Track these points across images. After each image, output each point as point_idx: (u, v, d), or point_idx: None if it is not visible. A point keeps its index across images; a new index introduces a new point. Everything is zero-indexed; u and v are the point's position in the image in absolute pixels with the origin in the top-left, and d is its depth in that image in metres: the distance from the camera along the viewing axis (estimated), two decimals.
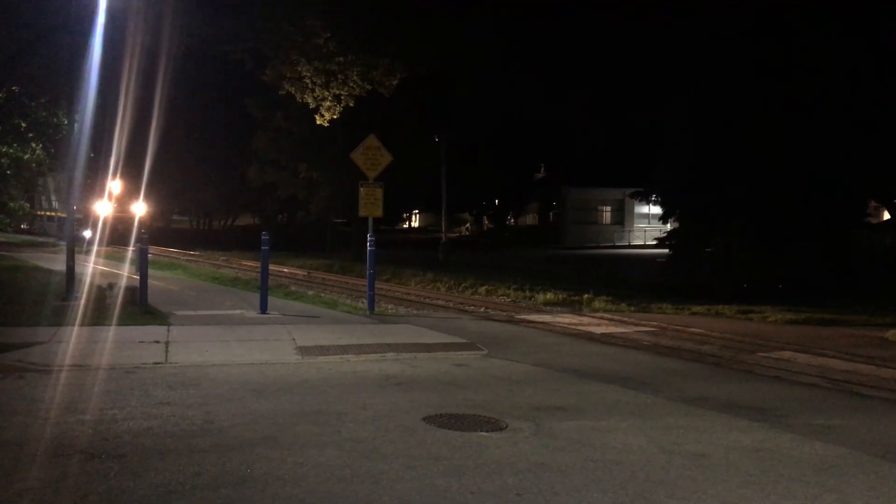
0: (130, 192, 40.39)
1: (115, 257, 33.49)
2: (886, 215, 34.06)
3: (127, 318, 13.26)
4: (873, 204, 33.33)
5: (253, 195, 54.73)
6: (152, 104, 23.45)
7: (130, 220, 40.49)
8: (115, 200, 38.75)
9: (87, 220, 38.45)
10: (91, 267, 22.78)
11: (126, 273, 22.52)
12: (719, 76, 27.71)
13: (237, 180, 51.15)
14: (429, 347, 11.77)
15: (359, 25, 23.44)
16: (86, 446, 6.21)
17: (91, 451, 6.10)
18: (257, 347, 11.13)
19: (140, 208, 40.58)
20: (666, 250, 33.86)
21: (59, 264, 18.26)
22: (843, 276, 24.84)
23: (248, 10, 19.95)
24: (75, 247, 17.17)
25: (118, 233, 43.89)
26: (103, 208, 36.20)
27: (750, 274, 27.40)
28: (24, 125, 21.81)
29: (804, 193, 26.05)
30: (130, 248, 35.72)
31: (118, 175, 34.23)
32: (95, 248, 32.23)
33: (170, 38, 18.53)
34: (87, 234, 36.64)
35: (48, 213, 55.25)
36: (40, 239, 50.42)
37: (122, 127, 21.47)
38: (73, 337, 11.29)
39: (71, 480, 5.46)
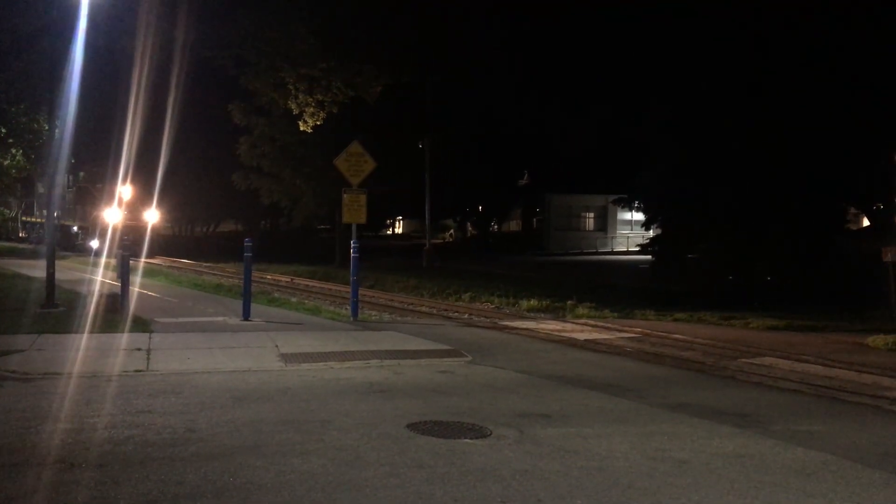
0: (140, 201, 39.33)
1: (133, 271, 31.73)
2: (866, 222, 34.38)
3: (108, 326, 13.15)
4: (853, 211, 33.65)
5: (236, 202, 54.36)
6: (153, 111, 23.20)
7: (142, 228, 39.35)
8: (125, 208, 37.34)
9: (94, 229, 36.83)
10: (98, 280, 21.44)
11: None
12: (706, 81, 27.83)
13: (221, 187, 50.70)
14: (413, 354, 11.75)
15: (343, 31, 23.45)
16: (66, 455, 6.14)
17: (71, 459, 6.03)
18: (240, 355, 11.06)
19: (153, 216, 39.60)
20: (648, 257, 33.97)
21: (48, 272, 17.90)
22: (824, 283, 25.03)
23: (233, 15, 19.90)
24: (81, 257, 16.99)
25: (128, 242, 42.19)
26: (113, 216, 34.72)
27: (732, 280, 27.56)
28: (3, 131, 21.65)
29: (785, 200, 26.26)
30: (142, 260, 33.72)
31: (127, 181, 33.15)
32: (104, 258, 30.18)
33: (153, 43, 18.44)
34: (95, 244, 34.53)
35: (43, 221, 53.35)
36: (21, 246, 48.97)
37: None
38: (53, 345, 11.19)
39: (50, 490, 5.40)
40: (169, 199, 50.94)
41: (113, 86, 23.21)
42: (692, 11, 27.76)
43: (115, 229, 34.87)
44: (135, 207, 39.62)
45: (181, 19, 18.70)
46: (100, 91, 22.27)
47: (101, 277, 22.85)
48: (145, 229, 38.92)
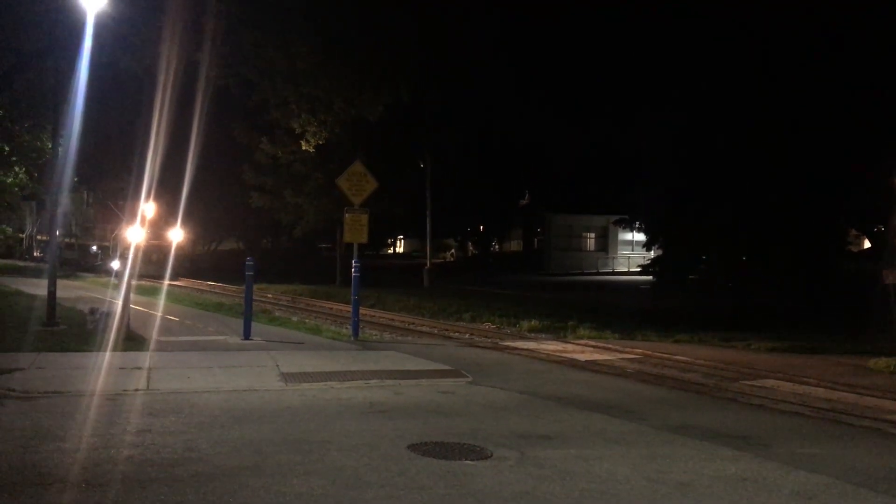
0: (163, 219, 38.01)
1: (148, 291, 28.41)
2: (867, 244, 34.39)
3: (109, 345, 13.12)
4: (854, 232, 33.65)
5: (239, 220, 54.25)
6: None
7: (167, 248, 37.87)
8: (148, 226, 35.68)
9: (114, 248, 35.28)
10: (118, 304, 20.44)
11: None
12: (706, 93, 27.87)
13: (223, 205, 50.43)
14: (413, 374, 11.72)
15: (343, 51, 23.59)
16: (65, 475, 6.12)
17: (70, 479, 6.01)
18: (240, 374, 11.05)
19: (177, 235, 38.06)
20: (650, 277, 33.92)
21: (62, 290, 17.39)
22: (825, 304, 24.99)
23: (236, 36, 20.03)
24: (101, 277, 16.69)
25: (152, 263, 37.87)
26: (135, 235, 33.08)
27: (733, 302, 27.50)
28: (7, 149, 21.75)
29: (786, 222, 26.26)
30: (166, 282, 32.20)
31: (150, 197, 31.92)
32: (126, 280, 28.70)
33: (157, 63, 18.54)
34: (116, 265, 32.33)
35: (66, 240, 46.75)
36: (22, 264, 47.64)
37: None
38: (53, 363, 11.17)
39: None
40: (189, 218, 49.83)
41: (119, 104, 23.34)
42: (692, 13, 27.77)
43: (137, 248, 32.95)
44: (158, 226, 38.17)
45: (183, 39, 18.80)
46: (104, 109, 22.33)
47: (119, 300, 21.76)
48: (169, 249, 37.39)
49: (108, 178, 39.84)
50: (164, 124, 21.21)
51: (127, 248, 32.90)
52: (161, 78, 19.71)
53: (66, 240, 45.75)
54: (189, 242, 43.23)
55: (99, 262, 41.36)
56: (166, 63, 18.88)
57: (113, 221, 38.37)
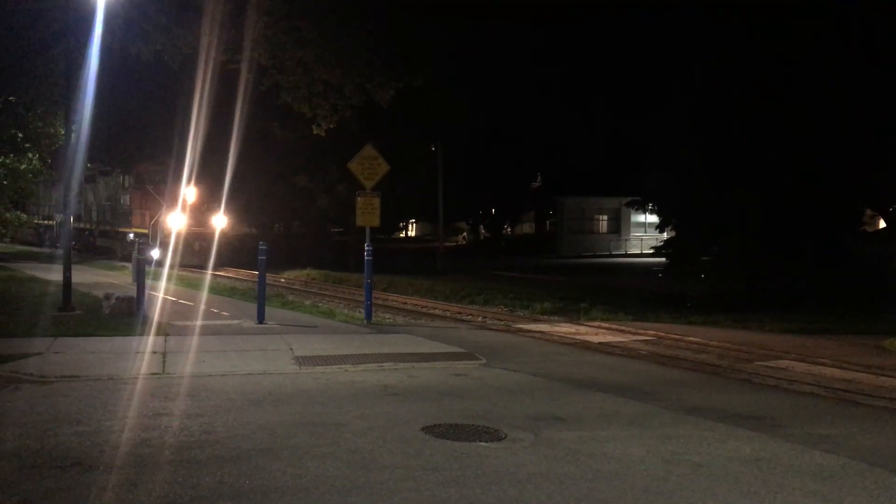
0: (206, 204, 36.44)
1: (189, 282, 26.67)
2: (882, 224, 34.14)
3: (124, 329, 13.21)
4: (869, 212, 33.38)
5: (251, 205, 54.24)
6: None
7: (209, 235, 35.44)
8: (189, 212, 33.21)
9: (154, 236, 33.74)
10: (160, 297, 18.82)
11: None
12: (717, 80, 27.69)
13: (239, 191, 50.25)
14: (427, 357, 11.75)
15: (353, 37, 23.47)
16: (83, 457, 6.18)
17: (88, 462, 6.07)
18: (255, 358, 11.10)
19: (221, 221, 36.64)
20: (663, 259, 33.83)
21: (81, 276, 17.09)
22: (840, 285, 24.85)
23: (245, 20, 19.96)
24: (134, 264, 16.24)
25: (193, 251, 35.49)
26: (176, 222, 30.67)
27: (747, 283, 27.40)
28: (20, 135, 21.81)
29: (800, 202, 26.09)
30: (209, 272, 30.34)
31: (191, 182, 30.28)
32: (166, 270, 25.94)
33: (174, 48, 18.49)
34: (156, 253, 28.47)
35: (99, 227, 44.70)
36: (36, 250, 46.93)
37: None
38: (69, 348, 11.25)
39: (68, 492, 5.43)
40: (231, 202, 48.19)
41: (137, 88, 23.21)
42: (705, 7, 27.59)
43: (178, 236, 30.37)
44: (199, 212, 36.53)
45: (193, 26, 18.71)
46: (122, 93, 22.27)
47: (164, 293, 20.07)
48: (212, 237, 35.03)
49: (145, 161, 38.97)
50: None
51: (167, 236, 31.78)
52: (171, 64, 19.68)
53: (100, 227, 44.68)
54: (231, 229, 41.07)
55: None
56: (176, 50, 18.83)
57: (152, 207, 37.01)
